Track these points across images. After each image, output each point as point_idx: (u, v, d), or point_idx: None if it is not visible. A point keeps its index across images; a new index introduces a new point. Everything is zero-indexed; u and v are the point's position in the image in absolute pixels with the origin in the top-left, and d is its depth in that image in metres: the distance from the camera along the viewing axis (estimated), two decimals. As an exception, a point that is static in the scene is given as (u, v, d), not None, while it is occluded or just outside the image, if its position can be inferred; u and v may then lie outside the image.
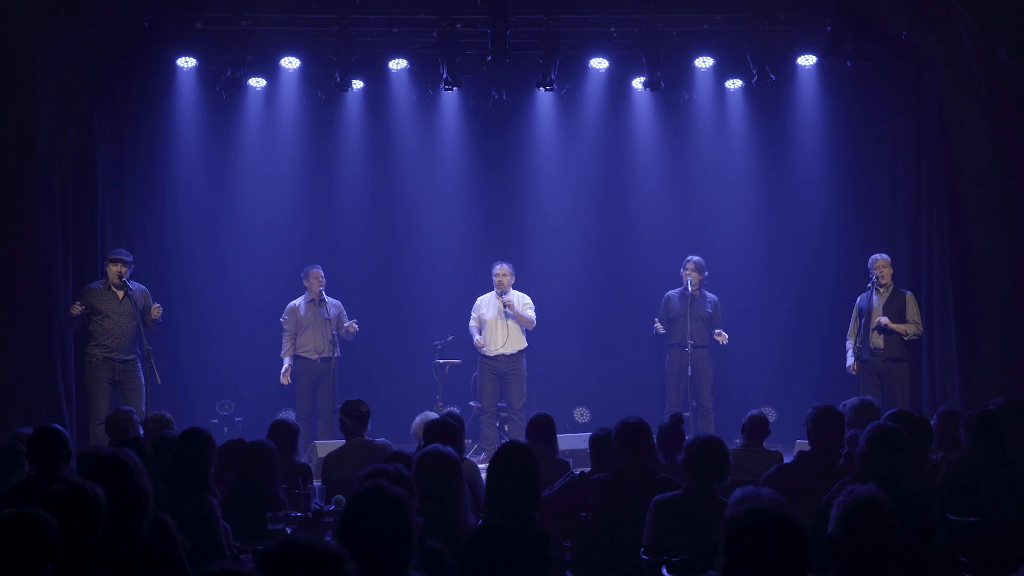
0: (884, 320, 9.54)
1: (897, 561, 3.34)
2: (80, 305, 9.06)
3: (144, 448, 5.28)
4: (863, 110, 11.15)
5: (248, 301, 11.33)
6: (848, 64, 10.28)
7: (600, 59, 10.95)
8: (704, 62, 10.95)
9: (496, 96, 11.26)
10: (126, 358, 9.16)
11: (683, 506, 4.79)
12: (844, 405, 6.80)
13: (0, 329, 8.65)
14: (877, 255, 9.80)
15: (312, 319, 10.12)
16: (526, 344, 10.27)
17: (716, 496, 4.80)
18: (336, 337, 10.00)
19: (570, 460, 7.17)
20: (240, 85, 10.59)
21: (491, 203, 11.88)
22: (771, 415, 9.30)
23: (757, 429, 6.81)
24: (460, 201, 11.88)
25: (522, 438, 7.50)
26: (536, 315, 10.31)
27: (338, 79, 10.32)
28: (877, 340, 9.60)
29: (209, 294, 11.39)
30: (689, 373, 9.98)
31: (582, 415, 11.45)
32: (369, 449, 6.58)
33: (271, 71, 10.98)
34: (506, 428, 10.27)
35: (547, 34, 10.12)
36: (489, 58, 10.05)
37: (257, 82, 11.04)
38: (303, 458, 6.96)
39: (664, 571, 4.38)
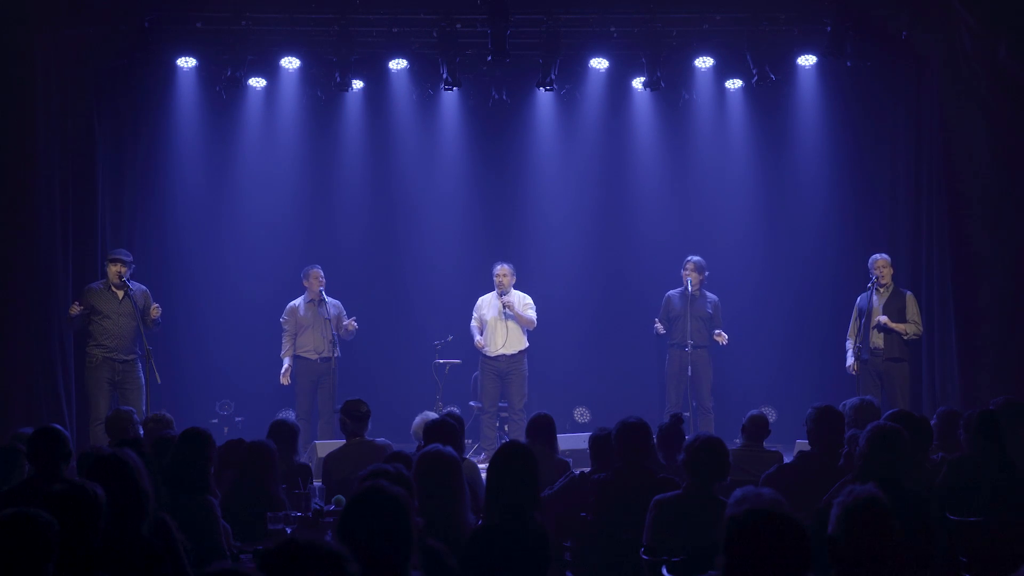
0: (884, 319, 9.54)
1: (897, 561, 3.34)
2: (79, 305, 9.06)
3: (144, 448, 5.29)
4: (863, 110, 11.15)
5: (248, 301, 11.33)
6: (848, 64, 10.28)
7: (600, 59, 10.95)
8: (704, 62, 10.95)
9: (496, 96, 11.26)
10: (126, 358, 9.16)
11: (683, 506, 4.79)
12: (844, 405, 6.80)
13: (0, 329, 8.65)
14: (877, 255, 9.80)
15: (312, 319, 10.12)
16: (527, 344, 10.27)
17: (716, 496, 4.80)
18: (336, 337, 10.00)
19: (570, 460, 7.17)
20: (240, 85, 10.59)
21: (491, 203, 11.88)
22: (771, 415, 9.30)
23: (757, 429, 6.81)
24: (460, 201, 11.88)
25: (522, 438, 7.50)
26: (536, 315, 10.30)
27: (338, 79, 10.32)
28: (877, 340, 9.60)
29: (209, 294, 11.39)
30: (689, 373, 9.98)
31: (582, 415, 11.45)
32: (369, 449, 6.58)
33: (271, 71, 10.98)
34: (506, 428, 10.27)
35: (547, 34, 10.12)
36: (489, 58, 10.05)
37: (257, 82, 11.04)
38: (303, 458, 6.96)
39: (664, 571, 4.38)
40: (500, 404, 10.31)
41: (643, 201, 11.85)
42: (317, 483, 6.28)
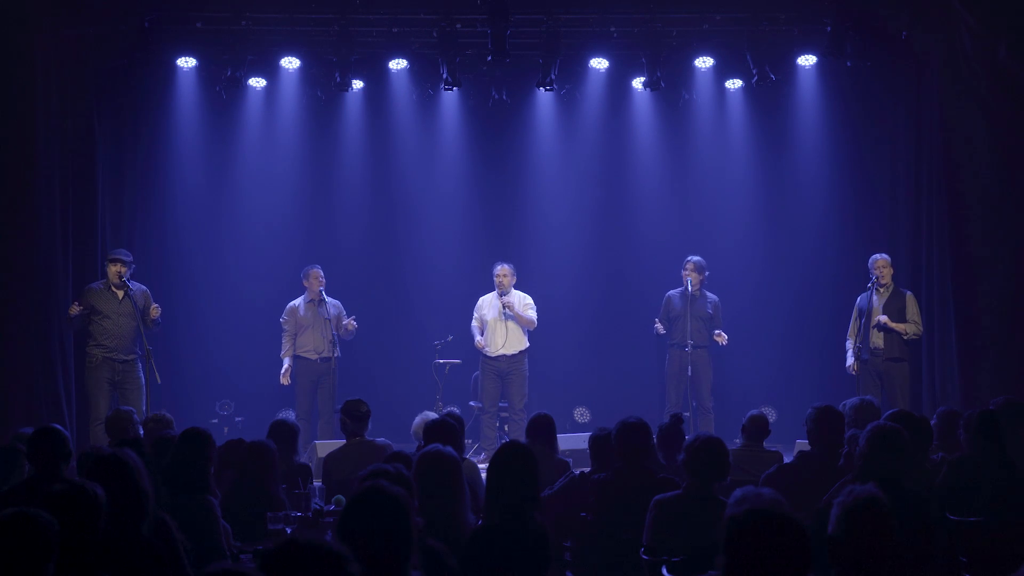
0: (884, 318, 9.54)
1: (897, 561, 3.34)
2: (78, 306, 9.06)
3: (144, 448, 5.29)
4: (863, 110, 11.15)
5: (248, 301, 11.33)
6: (848, 64, 10.28)
7: (600, 59, 10.95)
8: (704, 62, 10.95)
9: (496, 96, 11.26)
10: (126, 358, 9.16)
11: (683, 506, 4.79)
12: (844, 405, 6.80)
13: (0, 329, 8.65)
14: (877, 255, 9.80)
15: (312, 319, 10.12)
16: (528, 344, 10.26)
17: (716, 496, 4.80)
18: (336, 337, 10.00)
19: (570, 460, 7.17)
20: (240, 85, 10.59)
21: (491, 203, 11.88)
22: (771, 415, 9.30)
23: (757, 429, 6.81)
24: (460, 201, 11.88)
25: (522, 438, 7.50)
26: (537, 315, 10.30)
27: (338, 79, 10.32)
28: (877, 340, 9.60)
29: (209, 294, 11.39)
30: (689, 373, 9.98)
31: (582, 415, 11.46)
32: (369, 449, 6.58)
33: (271, 71, 10.98)
34: (506, 428, 10.27)
35: (547, 34, 10.12)
36: (489, 58, 10.05)
37: (257, 82, 11.04)
38: (303, 458, 6.96)
39: (664, 571, 4.38)
40: (500, 404, 10.31)
41: (643, 201, 11.85)
42: (317, 483, 6.28)
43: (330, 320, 10.05)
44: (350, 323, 10.11)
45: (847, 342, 9.84)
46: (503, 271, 10.19)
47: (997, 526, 5.19)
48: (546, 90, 10.71)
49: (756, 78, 10.28)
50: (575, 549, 5.45)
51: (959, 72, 9.30)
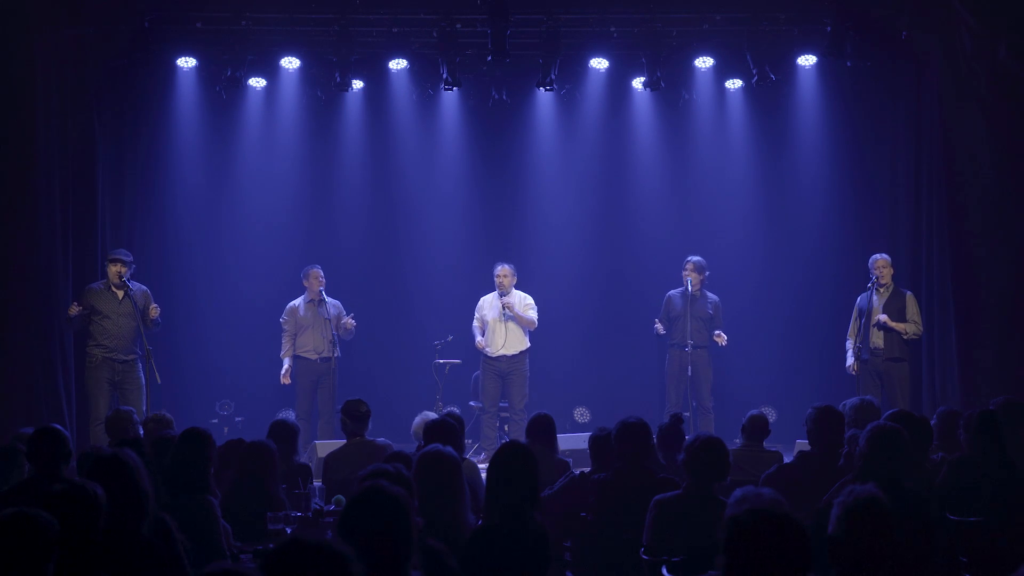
0: (883, 317, 9.54)
1: (897, 561, 3.34)
2: (78, 306, 9.06)
3: (144, 448, 5.29)
4: (863, 110, 11.15)
5: (248, 301, 11.33)
6: (848, 64, 10.29)
7: (600, 59, 10.96)
8: (704, 62, 10.96)
9: (496, 96, 11.26)
10: (126, 358, 9.16)
11: (683, 506, 4.79)
12: (844, 405, 6.79)
13: (0, 329, 8.65)
14: (877, 255, 9.80)
15: (312, 319, 10.12)
16: (529, 344, 10.25)
17: (716, 496, 4.80)
18: (336, 337, 10.00)
19: (570, 460, 7.17)
20: (240, 85, 10.60)
21: (491, 203, 11.88)
22: (771, 415, 9.31)
23: (757, 429, 6.81)
24: (460, 201, 11.88)
25: (523, 438, 7.50)
26: (537, 315, 10.29)
27: (338, 79, 10.32)
28: (877, 340, 9.60)
29: (209, 294, 11.39)
30: (689, 373, 9.98)
31: (582, 415, 11.46)
32: (369, 449, 6.58)
33: (271, 71, 10.99)
34: (507, 428, 10.27)
35: (547, 34, 10.12)
36: (489, 58, 10.05)
37: (257, 82, 11.05)
38: (303, 458, 6.96)
39: (664, 571, 4.38)
40: (501, 404, 10.31)
41: (643, 201, 11.85)
42: (317, 483, 6.28)
43: (330, 320, 10.05)
44: (348, 321, 10.09)
45: (847, 342, 9.84)
46: (503, 271, 10.18)
47: (997, 526, 5.19)
48: (546, 90, 10.72)
49: (756, 78, 10.28)
50: (575, 549, 5.45)
51: (959, 72, 9.30)
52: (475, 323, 10.35)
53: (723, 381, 10.66)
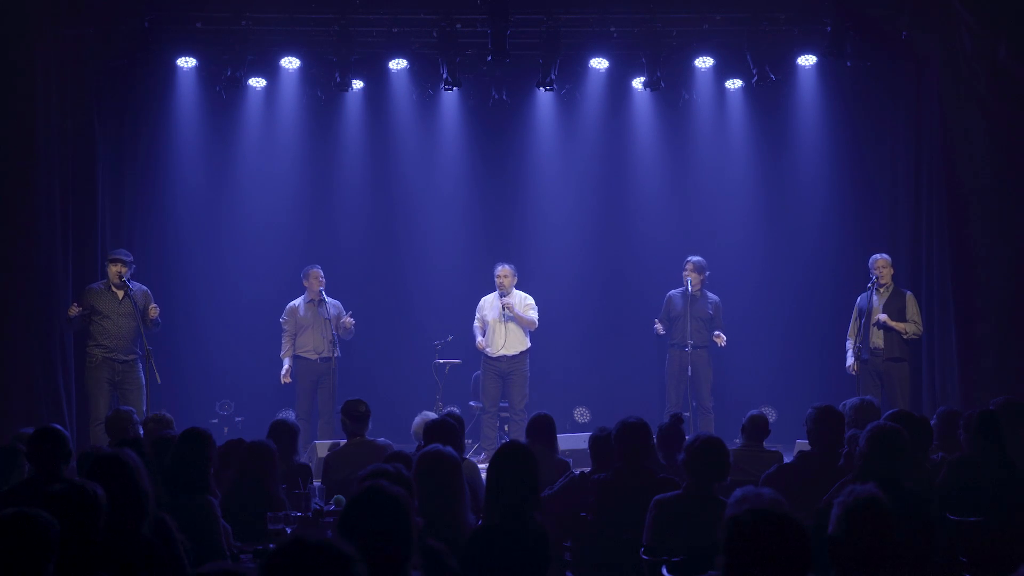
0: (883, 317, 9.54)
1: (897, 561, 3.34)
2: (78, 307, 9.05)
3: (144, 448, 5.28)
4: (863, 110, 11.15)
5: (248, 301, 11.33)
6: (848, 64, 10.28)
7: (600, 59, 10.96)
8: (704, 62, 10.95)
9: (496, 96, 11.26)
10: (126, 358, 9.16)
11: (683, 506, 4.79)
12: (844, 405, 6.80)
13: (0, 329, 8.65)
14: (877, 255, 9.80)
15: (312, 319, 10.12)
16: (529, 344, 10.24)
17: (716, 496, 4.80)
18: (336, 337, 9.99)
19: (570, 460, 7.17)
20: (240, 85, 10.60)
21: (491, 203, 11.88)
22: (771, 415, 9.30)
23: (757, 429, 6.81)
24: (460, 201, 11.88)
25: (523, 438, 7.50)
26: (538, 315, 10.29)
27: (338, 79, 10.32)
28: (877, 340, 9.60)
29: (209, 294, 11.39)
30: (689, 373, 9.98)
31: (582, 415, 11.46)
32: (369, 449, 6.58)
33: (271, 71, 10.99)
34: (507, 428, 10.27)
35: (547, 34, 10.12)
36: (489, 58, 10.05)
37: (257, 82, 11.04)
38: (303, 458, 6.96)
39: (664, 571, 4.38)
40: (501, 404, 10.31)
41: (643, 201, 11.85)
42: (317, 483, 6.28)
43: (330, 320, 10.05)
44: (347, 320, 10.07)
45: (847, 342, 9.84)
46: (504, 272, 10.18)
47: (997, 526, 5.19)
48: (546, 90, 10.71)
49: (756, 78, 10.28)
50: (575, 549, 5.45)
51: (959, 72, 9.30)
52: (476, 323, 10.34)
53: (723, 381, 10.66)
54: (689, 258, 10.28)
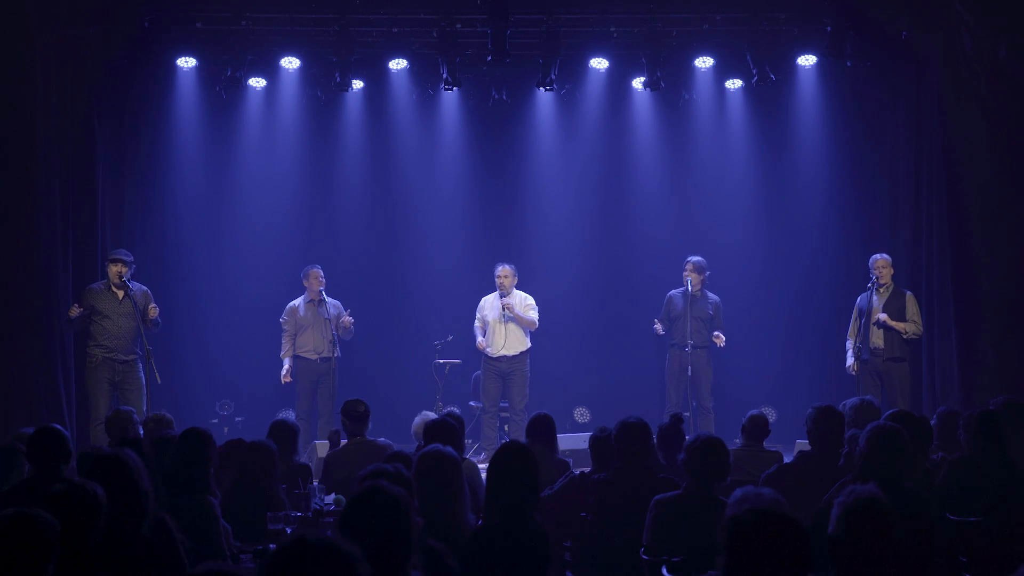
0: (883, 316, 9.54)
1: (897, 561, 3.34)
2: (78, 307, 9.05)
3: (144, 448, 5.28)
4: (863, 110, 11.15)
5: (248, 301, 11.33)
6: (848, 64, 10.28)
7: (600, 59, 10.96)
8: (704, 62, 10.96)
9: (496, 96, 11.26)
10: (126, 358, 9.16)
11: (683, 506, 4.79)
12: (844, 405, 6.80)
13: (0, 329, 8.65)
14: (877, 255, 9.80)
15: (312, 319, 10.11)
16: (529, 345, 10.24)
17: (716, 496, 4.80)
18: (336, 337, 9.99)
19: (570, 460, 7.17)
20: (240, 85, 10.60)
21: (491, 203, 11.88)
22: (771, 415, 9.30)
23: (757, 429, 6.81)
24: (460, 201, 11.88)
25: (523, 438, 7.50)
26: (538, 315, 10.28)
27: (338, 79, 10.32)
28: (877, 340, 9.60)
29: (209, 294, 11.39)
30: (689, 373, 9.98)
31: (582, 415, 11.46)
32: (369, 449, 6.58)
33: (271, 71, 10.99)
34: (507, 428, 10.27)
35: (547, 34, 10.12)
36: (489, 58, 10.05)
37: (257, 82, 11.05)
38: (303, 458, 6.96)
39: (664, 571, 4.39)
40: (501, 404, 10.31)
41: (643, 201, 11.85)
42: (316, 483, 6.28)
43: (330, 320, 10.04)
44: (346, 319, 10.06)
45: (847, 342, 9.84)
46: (504, 272, 10.17)
47: (997, 526, 5.19)
48: (546, 90, 10.71)
49: (756, 78, 10.28)
50: (575, 549, 5.45)
51: (959, 72, 9.30)
52: (476, 323, 10.33)
53: (723, 381, 10.66)
54: (689, 258, 10.28)
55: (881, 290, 9.68)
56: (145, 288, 9.42)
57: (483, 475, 4.99)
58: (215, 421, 10.86)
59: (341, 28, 10.07)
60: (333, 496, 5.96)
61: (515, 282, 10.23)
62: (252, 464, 5.62)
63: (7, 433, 7.38)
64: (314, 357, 10.08)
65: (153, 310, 9.21)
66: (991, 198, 9.21)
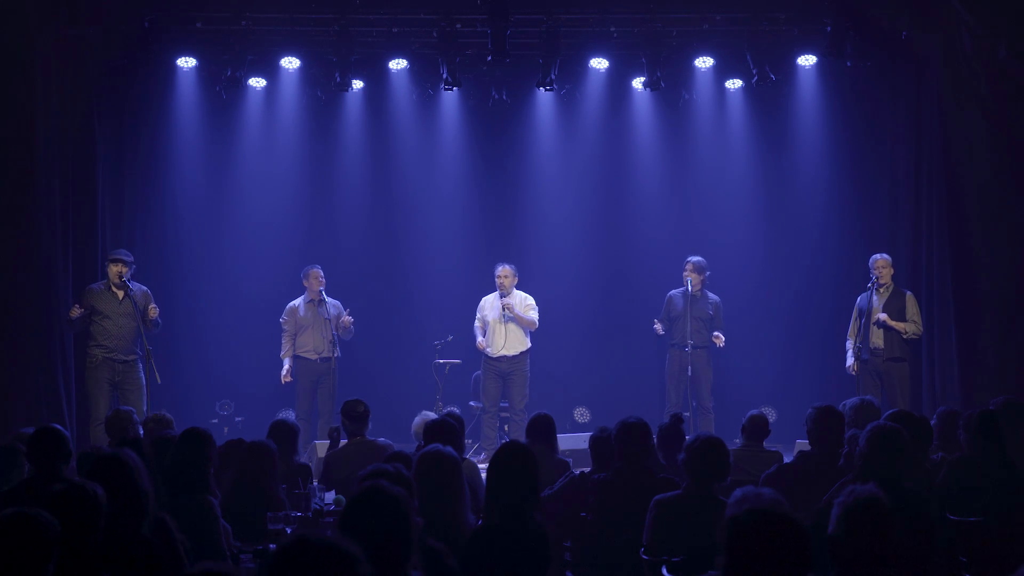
0: (883, 316, 9.54)
1: (897, 561, 3.34)
2: (79, 308, 9.05)
3: (144, 448, 5.28)
4: (863, 110, 11.15)
5: (248, 301, 11.33)
6: (848, 64, 10.28)
7: (600, 59, 10.96)
8: (704, 62, 10.96)
9: (496, 96, 11.26)
10: (126, 358, 9.15)
11: (683, 506, 4.79)
12: (844, 405, 6.80)
13: (0, 329, 8.65)
14: (877, 255, 9.80)
15: (312, 319, 10.11)
16: (530, 344, 10.23)
17: (716, 496, 4.80)
18: (336, 337, 9.99)
19: (570, 460, 7.17)
20: (240, 85, 10.60)
21: (491, 203, 11.88)
22: (771, 415, 9.30)
23: (757, 429, 6.81)
24: (460, 201, 11.88)
25: (523, 438, 7.50)
26: (538, 315, 10.28)
27: (338, 79, 10.32)
28: (877, 340, 9.60)
29: (209, 294, 11.39)
30: (689, 373, 9.98)
31: (582, 415, 11.46)
32: (369, 449, 6.58)
33: (271, 71, 10.99)
34: (507, 428, 10.27)
35: (547, 34, 10.12)
36: (489, 58, 10.05)
37: (257, 82, 11.05)
38: (303, 458, 6.96)
39: (664, 571, 4.38)
40: (501, 404, 10.31)
41: (643, 201, 11.85)
42: (316, 483, 6.28)
43: (330, 320, 10.04)
44: (346, 319, 10.05)
45: (847, 342, 9.84)
46: (504, 272, 10.17)
47: (997, 526, 5.19)
48: (546, 90, 10.71)
49: (756, 78, 10.28)
50: (575, 549, 5.45)
51: (959, 72, 9.30)
52: (476, 323, 10.33)
53: (723, 381, 10.66)
54: (689, 258, 10.28)
55: (881, 290, 9.68)
56: (145, 288, 9.42)
57: (483, 475, 4.99)
58: (215, 421, 10.86)
59: (341, 28, 10.07)
60: (333, 495, 5.96)
61: (515, 282, 10.23)
62: (252, 464, 5.62)
63: (7, 433, 7.37)
64: (314, 357, 10.08)
65: (153, 311, 9.21)
66: (991, 198, 9.21)
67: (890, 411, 6.15)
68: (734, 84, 11.34)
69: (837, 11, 9.85)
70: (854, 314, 9.83)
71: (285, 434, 6.41)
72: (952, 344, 9.42)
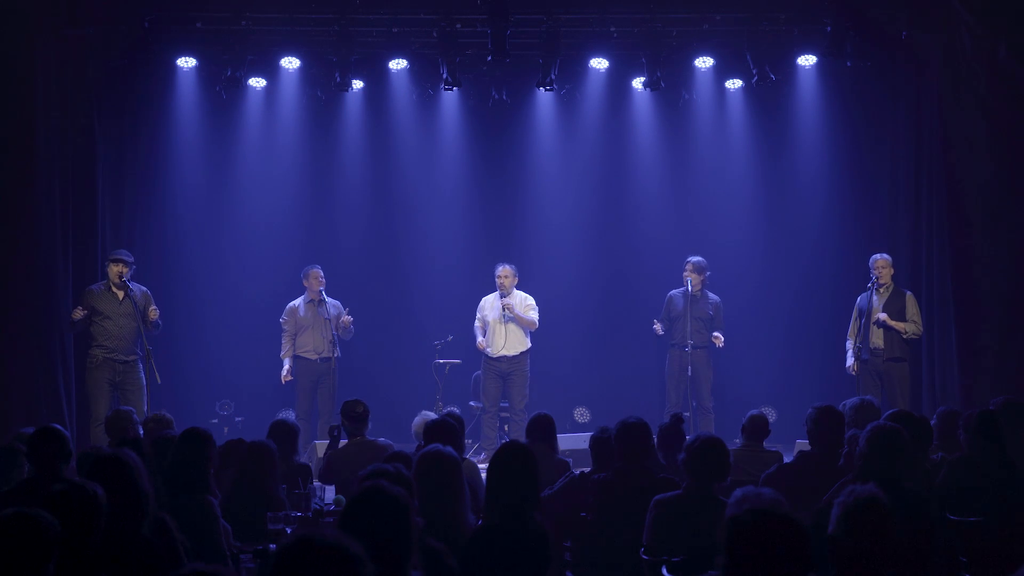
0: (883, 316, 9.54)
1: (897, 561, 3.34)
2: (81, 310, 9.04)
3: (144, 448, 5.29)
4: (863, 110, 11.15)
5: (248, 301, 11.33)
6: (848, 64, 10.28)
7: (600, 59, 10.95)
8: (704, 62, 10.95)
9: (496, 96, 11.26)
10: (126, 359, 9.15)
11: (683, 506, 4.79)
12: (844, 405, 6.80)
13: (1, 329, 8.65)
14: (877, 255, 9.80)
15: (312, 319, 10.11)
16: (530, 345, 10.23)
17: (716, 496, 4.80)
18: (336, 337, 9.99)
19: (570, 460, 7.17)
20: (240, 85, 10.59)
21: (491, 203, 11.89)
22: (771, 415, 9.29)
23: (757, 429, 6.81)
24: (460, 201, 11.88)
25: (523, 438, 7.50)
26: (538, 315, 10.28)
27: (338, 79, 10.32)
28: (877, 340, 9.60)
29: (209, 294, 11.39)
30: (689, 373, 9.98)
31: (582, 415, 11.46)
32: (369, 449, 6.58)
33: (271, 71, 10.99)
34: (507, 428, 10.27)
35: (547, 34, 10.12)
36: (489, 58, 10.05)
37: (257, 82, 11.04)
38: (303, 458, 6.96)
39: (664, 571, 4.38)
40: (501, 404, 10.31)
41: (643, 201, 11.85)
42: (316, 483, 6.28)
43: (330, 320, 10.04)
44: (346, 319, 10.05)
45: (847, 342, 9.84)
46: (504, 272, 10.17)
47: (997, 526, 5.19)
48: (546, 90, 10.71)
49: (756, 78, 10.28)
50: (575, 549, 5.45)
51: (959, 72, 9.31)
52: (476, 323, 10.33)
53: (723, 381, 10.66)
54: (689, 258, 10.28)
55: (881, 290, 9.68)
56: (145, 289, 9.42)
57: (483, 475, 4.99)
58: (215, 421, 10.86)
59: (341, 28, 10.07)
60: (333, 495, 5.96)
61: (515, 282, 10.23)
62: (252, 464, 5.62)
63: (7, 433, 7.38)
64: (314, 357, 10.08)
65: (153, 312, 9.21)
66: (991, 198, 9.21)
67: (890, 411, 6.15)
68: (734, 84, 11.34)
69: (837, 11, 9.85)
70: (854, 314, 9.83)
71: (285, 434, 6.41)
72: (952, 344, 9.43)
